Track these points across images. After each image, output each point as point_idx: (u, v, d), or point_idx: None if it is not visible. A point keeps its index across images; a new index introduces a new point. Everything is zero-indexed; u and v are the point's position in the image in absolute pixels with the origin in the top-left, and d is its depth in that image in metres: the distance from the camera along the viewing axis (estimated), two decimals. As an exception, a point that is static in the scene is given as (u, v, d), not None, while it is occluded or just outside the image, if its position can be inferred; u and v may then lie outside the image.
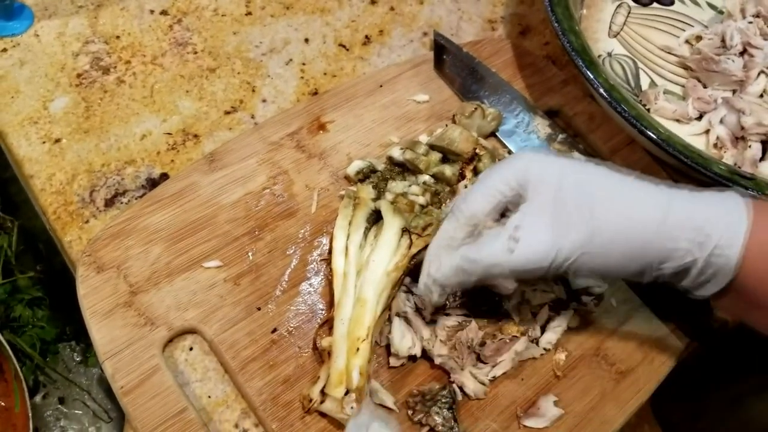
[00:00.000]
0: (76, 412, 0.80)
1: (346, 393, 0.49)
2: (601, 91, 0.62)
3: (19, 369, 0.74)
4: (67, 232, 0.60)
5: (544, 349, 0.56)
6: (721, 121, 0.69)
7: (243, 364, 0.53)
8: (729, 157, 0.67)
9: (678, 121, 0.70)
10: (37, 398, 0.81)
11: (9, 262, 0.83)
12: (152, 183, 0.63)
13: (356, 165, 0.63)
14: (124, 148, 0.65)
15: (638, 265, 0.46)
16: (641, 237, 0.45)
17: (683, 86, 0.74)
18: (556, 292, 0.57)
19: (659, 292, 0.59)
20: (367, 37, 0.77)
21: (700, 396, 0.70)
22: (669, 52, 0.77)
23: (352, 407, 0.48)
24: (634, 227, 0.45)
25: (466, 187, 0.61)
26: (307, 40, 0.76)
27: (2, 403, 0.76)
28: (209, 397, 0.53)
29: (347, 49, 0.75)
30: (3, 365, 0.76)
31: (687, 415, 0.71)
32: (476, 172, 0.62)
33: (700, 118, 0.71)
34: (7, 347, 0.74)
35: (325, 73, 0.73)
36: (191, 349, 0.55)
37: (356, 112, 0.68)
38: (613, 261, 0.46)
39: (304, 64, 0.74)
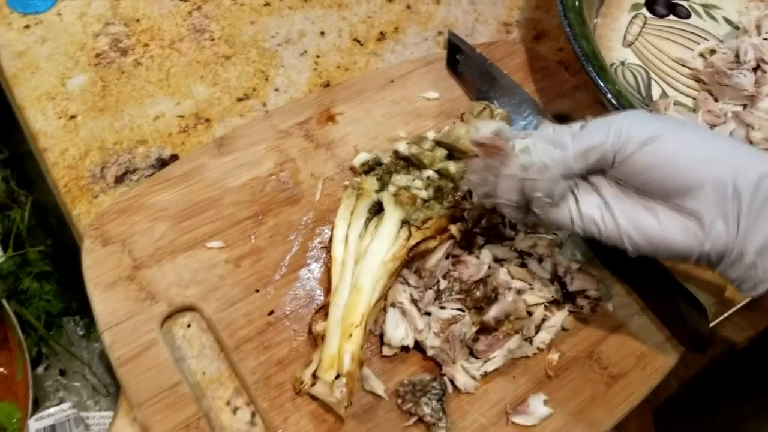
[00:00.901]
0: (76, 384, 0.82)
1: (337, 377, 0.49)
2: (609, 96, 0.62)
3: (23, 339, 0.75)
4: (76, 205, 0.61)
5: (538, 348, 0.56)
6: (730, 135, 0.69)
7: (238, 344, 0.54)
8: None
9: (687, 132, 0.70)
10: (39, 369, 0.83)
11: (21, 236, 0.85)
12: (162, 163, 0.64)
13: (362, 157, 0.63)
14: (137, 127, 0.67)
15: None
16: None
17: (694, 98, 0.74)
18: (552, 292, 0.58)
19: (658, 299, 0.59)
20: (382, 33, 0.78)
21: (703, 416, 0.70)
22: (682, 64, 0.77)
23: (341, 391, 0.49)
24: None
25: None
26: (322, 33, 0.77)
27: (5, 372, 0.77)
28: (204, 373, 0.54)
29: (361, 44, 0.76)
30: (7, 334, 0.78)
31: (689, 433, 0.71)
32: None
33: (709, 130, 0.71)
34: (13, 318, 0.76)
35: (338, 66, 0.74)
36: (189, 325, 0.56)
37: (366, 105, 0.69)
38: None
39: (318, 56, 0.75)
